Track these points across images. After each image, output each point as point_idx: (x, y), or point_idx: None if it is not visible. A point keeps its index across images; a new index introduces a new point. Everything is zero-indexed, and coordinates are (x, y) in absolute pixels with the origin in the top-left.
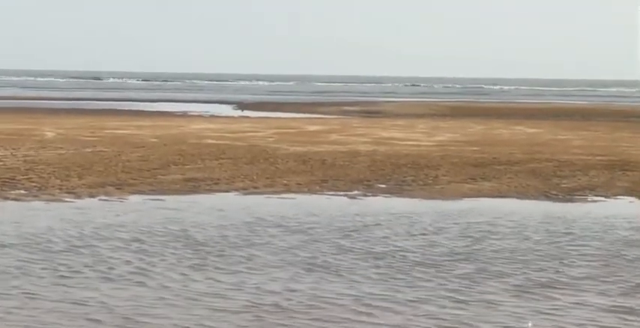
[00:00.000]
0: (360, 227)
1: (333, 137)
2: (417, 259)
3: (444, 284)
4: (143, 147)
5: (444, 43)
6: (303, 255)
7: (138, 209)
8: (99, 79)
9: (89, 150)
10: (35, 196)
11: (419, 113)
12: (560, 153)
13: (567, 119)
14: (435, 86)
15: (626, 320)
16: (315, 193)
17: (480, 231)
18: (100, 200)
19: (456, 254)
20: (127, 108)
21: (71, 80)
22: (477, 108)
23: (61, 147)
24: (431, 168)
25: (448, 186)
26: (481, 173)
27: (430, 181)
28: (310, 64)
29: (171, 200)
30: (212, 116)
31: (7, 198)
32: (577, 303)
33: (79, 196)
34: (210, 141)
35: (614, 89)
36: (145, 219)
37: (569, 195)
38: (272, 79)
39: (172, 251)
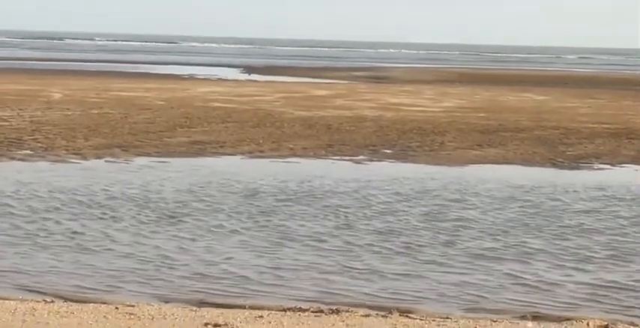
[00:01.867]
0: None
1: (340, 102)
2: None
3: None
4: (149, 109)
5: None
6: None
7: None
8: (92, 39)
9: (95, 111)
10: (41, 157)
11: (427, 79)
12: (566, 121)
13: (574, 87)
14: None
15: None
16: (321, 157)
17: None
18: (105, 161)
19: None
20: (133, 71)
21: (71, 41)
22: (484, 75)
23: (68, 109)
24: (437, 134)
25: (454, 152)
26: (487, 139)
27: (436, 147)
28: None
29: (176, 162)
30: (219, 79)
31: (13, 158)
32: None
33: (85, 157)
34: (216, 104)
35: (618, 57)
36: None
37: (574, 162)
38: (279, 43)
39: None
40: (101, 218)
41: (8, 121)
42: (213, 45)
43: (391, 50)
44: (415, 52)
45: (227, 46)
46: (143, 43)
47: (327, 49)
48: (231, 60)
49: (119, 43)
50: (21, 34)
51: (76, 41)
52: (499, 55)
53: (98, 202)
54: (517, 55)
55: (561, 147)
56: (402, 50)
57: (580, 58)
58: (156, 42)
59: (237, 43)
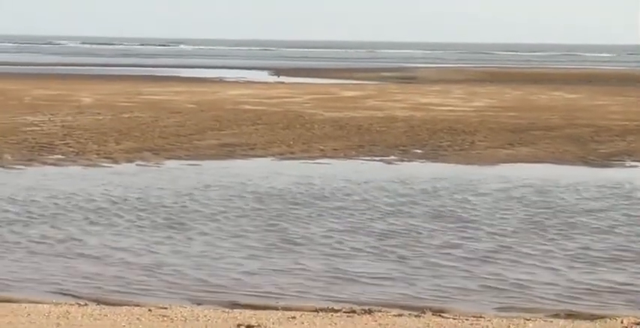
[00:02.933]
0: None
1: (370, 103)
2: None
3: None
4: (180, 112)
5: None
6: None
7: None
8: (111, 44)
9: (126, 115)
10: (73, 161)
11: (456, 79)
12: (597, 119)
13: (603, 84)
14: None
15: None
16: (351, 158)
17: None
18: (137, 165)
19: None
20: (162, 74)
21: (89, 46)
22: (513, 74)
23: (99, 113)
24: (467, 134)
25: (485, 152)
26: (518, 138)
27: (467, 146)
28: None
29: (207, 165)
30: (248, 82)
31: (45, 163)
32: None
33: (116, 161)
34: (246, 106)
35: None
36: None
37: (606, 160)
38: (308, 45)
39: None
40: (118, 220)
41: (40, 126)
42: (241, 48)
43: (419, 50)
44: (442, 51)
45: (254, 48)
46: (167, 47)
47: (352, 50)
48: (258, 62)
49: (142, 47)
50: (41, 39)
51: (100, 46)
52: (512, 53)
53: (122, 207)
54: (535, 54)
55: (593, 145)
56: (425, 50)
57: (596, 55)
58: (180, 44)
59: (262, 45)
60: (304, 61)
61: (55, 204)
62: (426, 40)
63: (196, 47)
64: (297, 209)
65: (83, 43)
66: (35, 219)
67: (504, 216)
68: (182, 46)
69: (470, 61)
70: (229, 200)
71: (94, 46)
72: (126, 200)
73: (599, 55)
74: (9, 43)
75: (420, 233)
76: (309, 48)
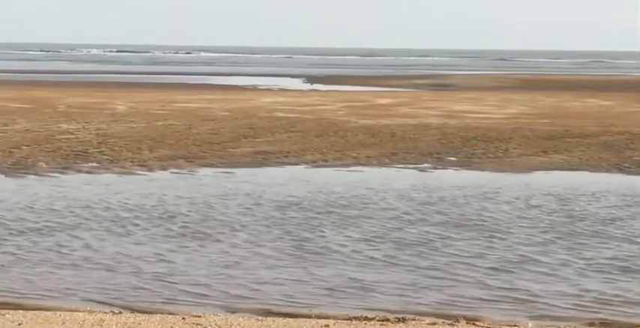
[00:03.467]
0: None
1: (403, 110)
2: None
3: None
4: (213, 120)
5: None
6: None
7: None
8: (148, 52)
9: (160, 123)
10: (107, 169)
11: (489, 86)
12: (632, 126)
13: (637, 91)
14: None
15: None
16: (385, 166)
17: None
18: (171, 172)
19: None
20: (196, 82)
21: (117, 53)
22: (546, 81)
23: (133, 121)
24: (501, 141)
25: (519, 159)
26: (552, 146)
27: (500, 154)
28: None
29: (241, 172)
30: (281, 89)
31: (80, 171)
32: None
33: (150, 169)
34: (280, 114)
35: None
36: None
37: None
38: (341, 52)
39: None
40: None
41: (74, 134)
42: (274, 56)
43: (452, 57)
44: (468, 58)
45: (284, 56)
46: (200, 54)
47: (383, 57)
48: (291, 70)
49: (175, 55)
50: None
51: (135, 54)
52: (536, 60)
53: (161, 215)
54: (560, 61)
55: (628, 152)
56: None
57: (624, 62)
58: (212, 52)
59: (294, 52)
60: (337, 69)
61: (89, 211)
62: (449, 47)
63: (222, 54)
64: (335, 215)
65: (106, 50)
66: (74, 226)
67: (537, 225)
68: (203, 54)
69: (500, 67)
70: (261, 208)
71: (122, 54)
72: (159, 207)
73: (626, 61)
74: (33, 50)
75: (445, 242)
76: (335, 55)
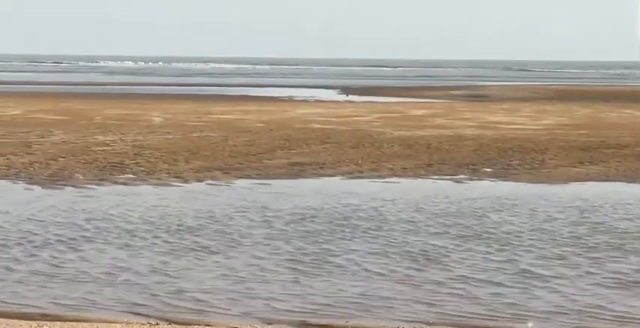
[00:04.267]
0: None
1: (438, 121)
2: None
3: None
4: (249, 131)
5: None
6: None
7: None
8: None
9: (196, 135)
10: (143, 180)
11: (524, 97)
12: None
13: None
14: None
15: None
16: (420, 177)
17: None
18: (207, 184)
19: None
20: (232, 94)
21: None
22: (581, 92)
23: (168, 132)
24: (537, 152)
25: (555, 170)
26: (589, 157)
27: (537, 165)
28: (417, 49)
29: (276, 184)
30: (317, 101)
31: (116, 182)
32: None
33: (186, 180)
34: (315, 125)
35: None
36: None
37: None
38: (376, 63)
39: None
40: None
41: (111, 146)
42: (312, 67)
43: (484, 68)
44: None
45: (321, 67)
46: (236, 66)
47: (418, 68)
48: (326, 81)
49: (212, 65)
50: (111, 58)
51: (177, 65)
52: (561, 71)
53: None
54: (587, 71)
55: None
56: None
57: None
58: (250, 64)
59: (331, 64)
60: (372, 80)
61: (128, 221)
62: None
63: (242, 66)
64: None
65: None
66: (112, 238)
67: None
68: (223, 65)
69: (534, 78)
70: (304, 219)
71: (146, 65)
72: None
73: None
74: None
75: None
76: (369, 66)
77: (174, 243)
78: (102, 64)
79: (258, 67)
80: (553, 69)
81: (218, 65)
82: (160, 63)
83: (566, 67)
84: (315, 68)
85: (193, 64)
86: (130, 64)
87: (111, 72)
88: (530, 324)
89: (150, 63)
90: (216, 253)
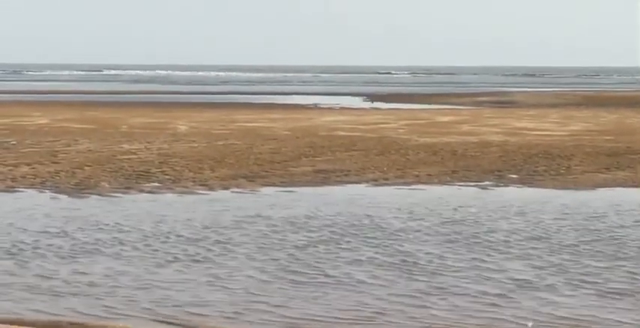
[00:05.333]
0: None
1: (464, 127)
2: None
3: None
4: (274, 139)
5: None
6: None
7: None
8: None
9: (221, 143)
10: (169, 188)
11: (550, 103)
12: None
13: None
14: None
15: None
16: (446, 184)
17: None
18: (232, 192)
19: None
20: (257, 102)
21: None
22: (608, 98)
23: (194, 141)
24: (563, 158)
25: (582, 176)
26: (615, 162)
27: (563, 171)
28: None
29: (302, 191)
30: (342, 108)
31: (142, 191)
32: None
33: (211, 188)
34: (341, 133)
35: None
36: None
37: None
38: (401, 70)
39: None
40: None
41: (137, 154)
42: (337, 75)
43: (510, 75)
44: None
45: (347, 75)
46: (260, 74)
47: (438, 75)
48: (352, 88)
49: (235, 74)
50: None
51: (198, 73)
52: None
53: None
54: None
55: None
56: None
57: None
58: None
59: (352, 71)
60: (397, 87)
61: (166, 226)
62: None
63: (281, 74)
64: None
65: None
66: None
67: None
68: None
69: (560, 84)
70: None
71: (164, 73)
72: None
73: None
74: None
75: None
76: (393, 73)
77: (196, 251)
78: (114, 72)
79: (281, 74)
80: (574, 75)
81: (243, 74)
82: (185, 72)
83: (584, 72)
84: (340, 75)
85: (215, 73)
86: (150, 72)
87: (135, 80)
88: (530, 324)
89: (169, 71)
90: (246, 264)
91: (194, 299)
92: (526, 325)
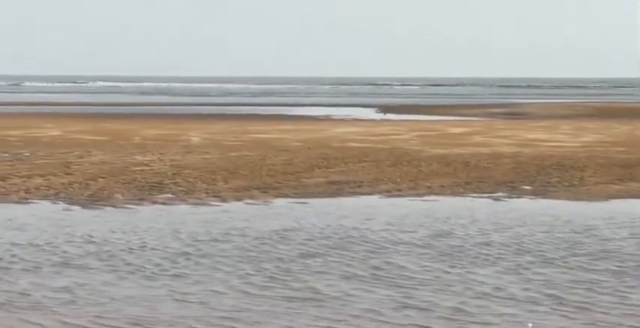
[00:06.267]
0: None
1: (477, 139)
2: None
3: None
4: (287, 150)
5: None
6: None
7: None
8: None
9: (234, 154)
10: (182, 200)
11: (562, 114)
12: None
13: None
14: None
15: None
16: (459, 195)
17: None
18: (245, 203)
19: None
20: (269, 113)
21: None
22: (620, 109)
23: (207, 152)
24: (576, 170)
25: (595, 188)
26: (628, 174)
27: (576, 182)
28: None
29: (315, 203)
30: (354, 119)
31: (155, 202)
32: None
33: (224, 200)
34: (353, 144)
35: None
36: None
37: None
38: (411, 81)
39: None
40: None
41: (150, 166)
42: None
43: (524, 87)
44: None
45: (358, 86)
46: (269, 86)
47: (455, 86)
48: (364, 100)
49: (244, 86)
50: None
51: (209, 85)
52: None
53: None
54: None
55: None
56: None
57: None
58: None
59: (362, 83)
60: (409, 98)
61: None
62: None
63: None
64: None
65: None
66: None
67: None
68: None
69: (569, 96)
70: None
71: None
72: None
73: None
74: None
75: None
76: (406, 84)
77: (203, 263)
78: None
79: (291, 86)
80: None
81: (252, 86)
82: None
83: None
84: (350, 87)
85: (225, 84)
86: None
87: (141, 92)
88: (530, 325)
89: (175, 83)
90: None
91: None
92: (526, 325)
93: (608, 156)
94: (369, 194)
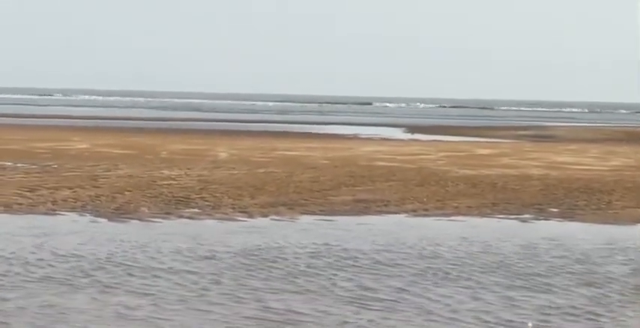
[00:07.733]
0: None
1: (504, 160)
2: None
3: None
4: (314, 168)
5: None
6: None
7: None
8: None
9: (261, 170)
10: (209, 215)
11: (591, 138)
12: None
13: None
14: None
15: None
16: (486, 216)
17: None
18: (271, 219)
19: None
20: (297, 131)
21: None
22: None
23: (234, 168)
24: (604, 193)
25: (622, 211)
26: None
27: (603, 206)
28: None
29: (341, 221)
30: (382, 139)
31: (181, 216)
32: None
33: (251, 215)
34: (380, 163)
35: None
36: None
37: None
38: (438, 102)
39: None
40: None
41: (177, 180)
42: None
43: (556, 109)
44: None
45: (389, 105)
46: (300, 104)
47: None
48: (392, 119)
49: (275, 104)
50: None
51: (237, 102)
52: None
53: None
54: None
55: None
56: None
57: None
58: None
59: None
60: (436, 119)
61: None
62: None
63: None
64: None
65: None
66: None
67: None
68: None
69: (599, 119)
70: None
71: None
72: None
73: None
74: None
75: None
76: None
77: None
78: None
79: (320, 105)
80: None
81: (282, 103)
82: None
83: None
84: (375, 106)
85: (254, 102)
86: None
87: (174, 108)
88: (530, 324)
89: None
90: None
91: None
92: (526, 325)
93: (636, 180)
94: (395, 213)
